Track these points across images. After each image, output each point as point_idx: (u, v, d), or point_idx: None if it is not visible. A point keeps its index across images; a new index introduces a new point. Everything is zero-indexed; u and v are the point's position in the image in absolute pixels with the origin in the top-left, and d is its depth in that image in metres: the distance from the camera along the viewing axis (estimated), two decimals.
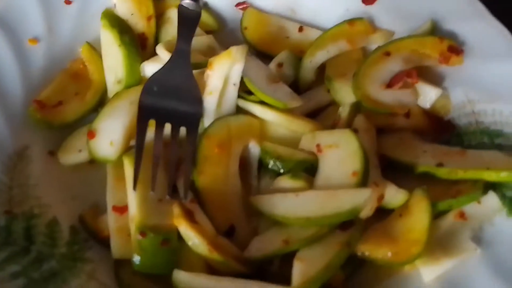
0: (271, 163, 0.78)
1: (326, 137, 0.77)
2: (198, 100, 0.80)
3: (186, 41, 0.84)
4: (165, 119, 0.78)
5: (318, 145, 0.77)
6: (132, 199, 0.72)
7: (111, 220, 0.75)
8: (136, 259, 0.69)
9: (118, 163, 0.79)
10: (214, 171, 0.76)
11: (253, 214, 0.76)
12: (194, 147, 0.77)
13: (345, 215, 0.68)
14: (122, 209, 0.75)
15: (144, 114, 0.78)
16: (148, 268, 0.70)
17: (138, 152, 0.75)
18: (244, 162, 0.81)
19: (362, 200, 0.67)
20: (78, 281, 0.69)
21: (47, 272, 0.68)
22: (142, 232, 0.68)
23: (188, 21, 0.87)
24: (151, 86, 0.80)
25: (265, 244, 0.71)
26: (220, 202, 0.76)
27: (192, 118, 0.79)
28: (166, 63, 0.82)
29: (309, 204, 0.70)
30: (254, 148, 0.80)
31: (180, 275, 0.68)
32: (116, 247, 0.73)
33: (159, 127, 0.77)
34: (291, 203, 0.71)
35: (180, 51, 0.83)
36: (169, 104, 0.79)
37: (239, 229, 0.75)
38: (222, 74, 0.80)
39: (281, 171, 0.77)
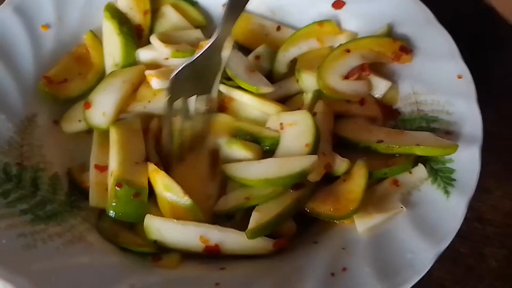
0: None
1: (288, 117, 0.88)
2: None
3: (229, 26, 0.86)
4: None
5: (281, 124, 0.87)
6: (114, 159, 0.83)
7: (92, 175, 0.85)
8: (112, 206, 0.79)
9: (104, 132, 0.89)
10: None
11: (224, 180, 0.87)
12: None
13: (296, 177, 0.78)
14: (102, 168, 0.86)
15: (171, 98, 0.85)
16: (120, 215, 0.79)
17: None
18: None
19: (309, 165, 0.78)
20: (74, 221, 0.80)
21: (50, 211, 0.79)
22: (119, 184, 0.79)
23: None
24: (181, 72, 0.84)
25: (230, 200, 0.82)
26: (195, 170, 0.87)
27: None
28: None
29: (269, 168, 0.81)
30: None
31: (151, 219, 0.78)
32: (93, 197, 0.84)
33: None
34: (254, 168, 0.83)
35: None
36: (192, 88, 0.88)
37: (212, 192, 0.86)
38: None
39: None
